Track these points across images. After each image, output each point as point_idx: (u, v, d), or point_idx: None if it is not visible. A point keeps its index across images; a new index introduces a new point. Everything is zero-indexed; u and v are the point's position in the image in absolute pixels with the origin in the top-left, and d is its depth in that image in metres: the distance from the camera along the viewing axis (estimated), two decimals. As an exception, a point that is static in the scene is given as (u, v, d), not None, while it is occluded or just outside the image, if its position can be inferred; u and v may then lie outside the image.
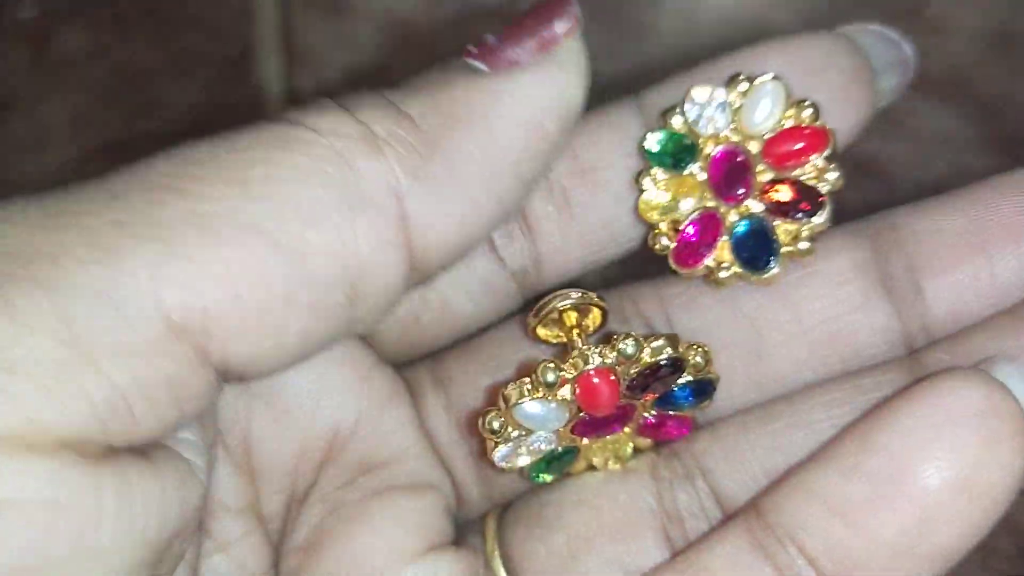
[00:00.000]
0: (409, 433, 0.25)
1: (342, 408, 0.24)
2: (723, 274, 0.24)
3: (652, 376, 0.22)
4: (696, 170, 0.24)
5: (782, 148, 0.23)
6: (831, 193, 0.23)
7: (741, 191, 0.23)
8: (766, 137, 0.23)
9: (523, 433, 0.23)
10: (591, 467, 0.25)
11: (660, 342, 0.22)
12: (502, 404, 0.23)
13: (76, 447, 0.17)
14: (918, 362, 0.24)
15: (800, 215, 0.23)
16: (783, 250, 0.24)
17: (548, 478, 0.25)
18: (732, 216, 0.24)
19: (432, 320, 0.25)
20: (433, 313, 0.25)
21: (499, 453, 0.23)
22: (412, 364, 0.26)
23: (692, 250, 0.24)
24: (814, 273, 0.24)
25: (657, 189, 0.24)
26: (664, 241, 0.24)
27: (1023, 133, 0.42)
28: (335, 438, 0.24)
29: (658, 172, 0.24)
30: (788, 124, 0.23)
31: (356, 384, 0.24)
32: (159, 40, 0.48)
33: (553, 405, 0.22)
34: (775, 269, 0.23)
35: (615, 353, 0.22)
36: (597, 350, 0.22)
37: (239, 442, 0.24)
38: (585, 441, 0.24)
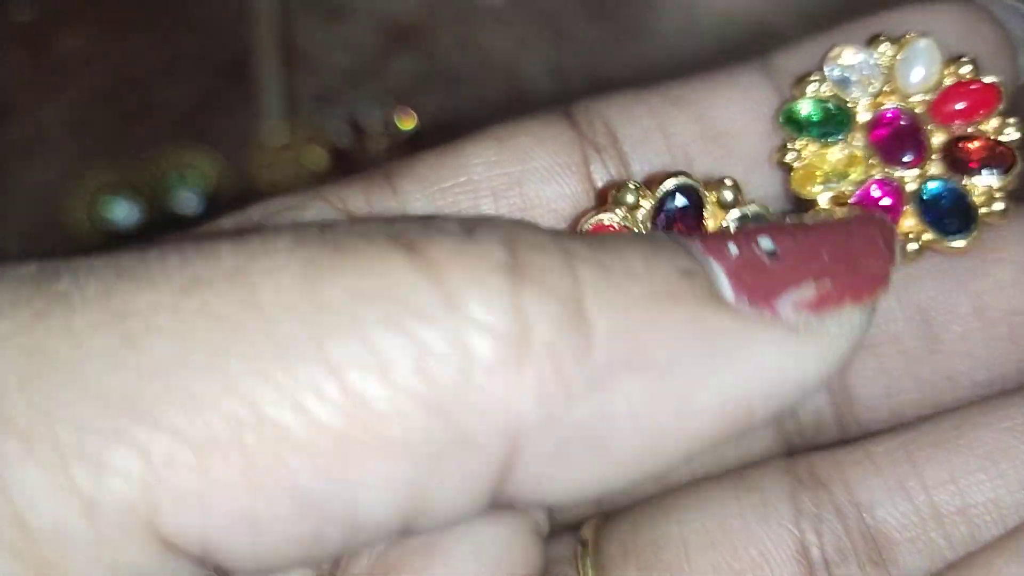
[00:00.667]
0: None
1: None
2: (912, 246, 0.21)
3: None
4: (850, 140, 0.21)
5: (950, 106, 0.21)
6: (1019, 146, 0.21)
7: (912, 157, 0.21)
8: (928, 98, 0.21)
9: None
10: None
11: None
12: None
13: None
14: None
15: (994, 171, 0.21)
16: (981, 211, 0.21)
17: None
18: (911, 182, 0.21)
19: None
20: None
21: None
22: None
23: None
24: (999, 260, 0.21)
25: (811, 161, 0.21)
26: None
27: None
28: None
29: (807, 144, 0.21)
30: (948, 83, 0.21)
31: None
32: (158, 43, 0.48)
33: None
34: (976, 232, 0.20)
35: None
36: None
37: None
38: None
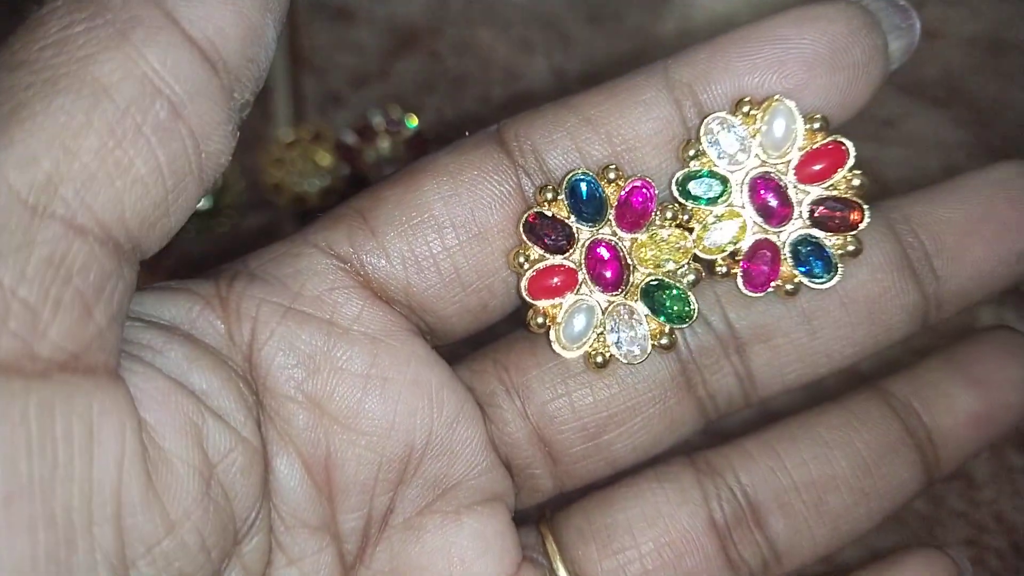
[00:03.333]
0: (478, 448, 0.26)
1: (414, 428, 0.25)
2: (790, 287, 0.26)
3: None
4: (734, 199, 0.26)
5: (810, 169, 0.26)
6: (862, 194, 0.26)
7: (785, 214, 0.26)
8: (791, 159, 0.26)
9: None
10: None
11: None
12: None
13: (1, 366, 0.17)
14: (889, 393, 0.29)
15: (849, 229, 0.26)
16: (837, 254, 0.26)
17: None
18: (783, 237, 0.26)
19: (497, 306, 0.27)
20: (497, 299, 0.26)
21: None
22: (483, 376, 0.28)
23: (762, 277, 0.26)
24: (858, 263, 0.27)
25: (712, 229, 0.26)
26: (723, 270, 0.26)
27: (1015, 137, 0.43)
28: (409, 457, 0.25)
29: (697, 209, 0.26)
30: (804, 139, 0.25)
31: (426, 404, 0.25)
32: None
33: None
34: (838, 277, 0.26)
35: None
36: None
37: (320, 464, 0.24)
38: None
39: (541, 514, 0.29)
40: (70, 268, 0.18)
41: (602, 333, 0.26)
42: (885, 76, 0.25)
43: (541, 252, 0.26)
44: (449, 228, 0.25)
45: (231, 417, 0.22)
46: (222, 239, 0.46)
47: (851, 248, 0.26)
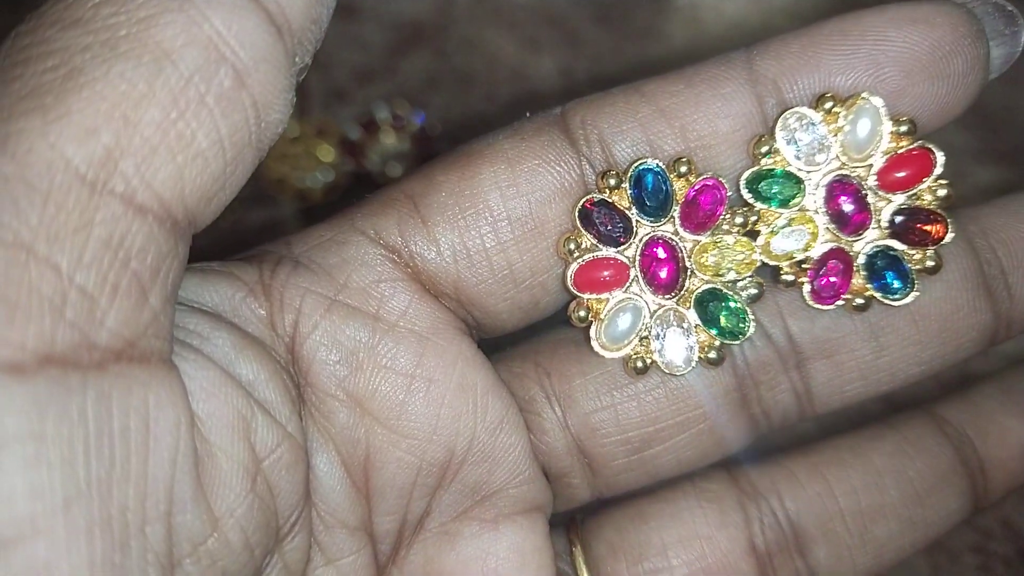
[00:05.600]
0: (521, 456, 0.25)
1: (457, 433, 0.24)
2: (859, 301, 0.24)
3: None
4: (807, 203, 0.24)
5: (893, 175, 0.24)
6: (946, 206, 0.24)
7: (862, 222, 0.24)
8: (874, 163, 0.24)
9: None
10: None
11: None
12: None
13: (59, 358, 0.16)
14: (943, 419, 0.28)
15: (931, 244, 0.24)
16: (914, 269, 0.24)
17: None
18: (858, 247, 0.24)
19: (550, 303, 0.25)
20: (551, 296, 0.25)
21: None
22: (523, 380, 0.27)
23: (831, 290, 0.24)
24: (933, 279, 0.25)
25: (780, 234, 0.24)
26: (788, 278, 0.24)
27: (1023, 143, 0.43)
28: (449, 462, 0.24)
29: (766, 210, 0.24)
30: (890, 143, 0.23)
31: (470, 409, 0.24)
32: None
33: None
34: (915, 294, 0.24)
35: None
36: None
37: (359, 463, 0.24)
38: None
39: (572, 520, 0.28)
40: (129, 250, 0.17)
41: (647, 337, 0.24)
42: (984, 86, 0.23)
43: (594, 241, 0.24)
44: (505, 222, 0.24)
45: (277, 411, 0.21)
46: (223, 234, 0.46)
47: (930, 264, 0.24)
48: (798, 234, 0.24)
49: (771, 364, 0.25)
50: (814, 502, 0.27)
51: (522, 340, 0.27)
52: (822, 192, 0.24)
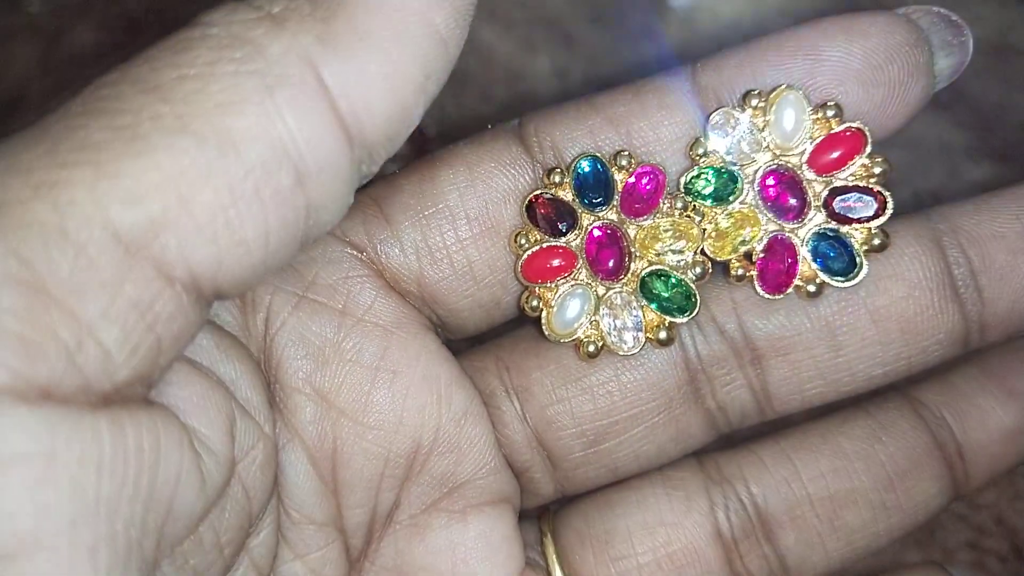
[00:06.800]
0: (486, 447, 0.26)
1: (422, 424, 0.25)
2: (812, 288, 0.25)
3: None
4: (741, 198, 0.25)
5: (825, 157, 0.24)
6: (883, 182, 0.24)
7: (800, 208, 0.25)
8: (803, 149, 0.24)
9: None
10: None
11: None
12: None
13: (60, 396, 0.16)
14: (920, 402, 0.27)
15: (871, 219, 0.24)
16: (862, 249, 0.24)
17: None
18: (802, 233, 0.25)
19: (510, 302, 0.26)
20: (511, 296, 0.26)
21: None
22: (484, 374, 0.27)
23: (779, 277, 0.25)
24: (892, 278, 0.25)
25: (724, 230, 0.25)
26: (739, 273, 0.25)
27: (1018, 142, 0.43)
28: (416, 453, 0.25)
29: (708, 209, 0.25)
30: (818, 129, 0.24)
31: (434, 400, 0.25)
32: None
33: None
34: (864, 271, 0.24)
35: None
36: None
37: (327, 457, 0.24)
38: None
39: (544, 509, 0.29)
40: (157, 316, 0.17)
41: (596, 321, 0.25)
42: (928, 95, 0.24)
43: (542, 235, 0.25)
44: (463, 220, 0.25)
45: (256, 410, 0.22)
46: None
47: (876, 242, 0.24)
48: (741, 228, 0.25)
49: (725, 359, 0.26)
50: (781, 487, 0.27)
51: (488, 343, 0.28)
52: (758, 185, 0.25)
